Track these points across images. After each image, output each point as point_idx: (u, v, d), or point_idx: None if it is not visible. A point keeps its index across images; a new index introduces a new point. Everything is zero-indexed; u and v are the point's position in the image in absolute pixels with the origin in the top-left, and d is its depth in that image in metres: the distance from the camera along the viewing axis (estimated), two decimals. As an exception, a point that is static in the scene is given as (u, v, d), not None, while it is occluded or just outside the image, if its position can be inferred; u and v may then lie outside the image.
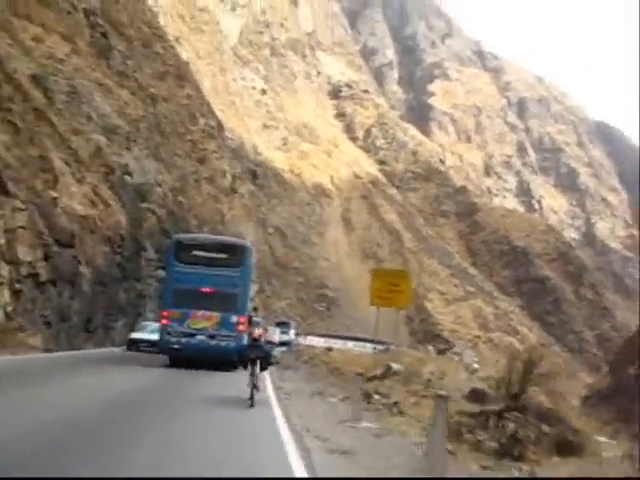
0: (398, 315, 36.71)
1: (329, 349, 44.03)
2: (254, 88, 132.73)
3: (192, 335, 25.04)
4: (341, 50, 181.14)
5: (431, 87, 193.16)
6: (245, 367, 16.07)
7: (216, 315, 25.24)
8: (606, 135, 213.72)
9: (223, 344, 25.10)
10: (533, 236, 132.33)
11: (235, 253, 26.60)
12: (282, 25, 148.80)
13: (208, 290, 25.20)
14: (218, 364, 25.47)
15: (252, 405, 14.90)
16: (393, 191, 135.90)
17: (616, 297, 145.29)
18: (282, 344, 52.38)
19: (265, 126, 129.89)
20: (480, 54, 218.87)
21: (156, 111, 51.92)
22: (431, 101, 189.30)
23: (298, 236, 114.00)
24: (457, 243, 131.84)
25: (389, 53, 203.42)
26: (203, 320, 25.19)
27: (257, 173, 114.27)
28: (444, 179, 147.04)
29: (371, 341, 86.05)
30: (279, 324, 62.97)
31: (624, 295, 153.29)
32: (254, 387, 15.29)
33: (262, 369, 16.25)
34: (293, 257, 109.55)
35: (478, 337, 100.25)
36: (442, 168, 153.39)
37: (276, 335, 60.56)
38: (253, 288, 34.42)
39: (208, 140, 61.73)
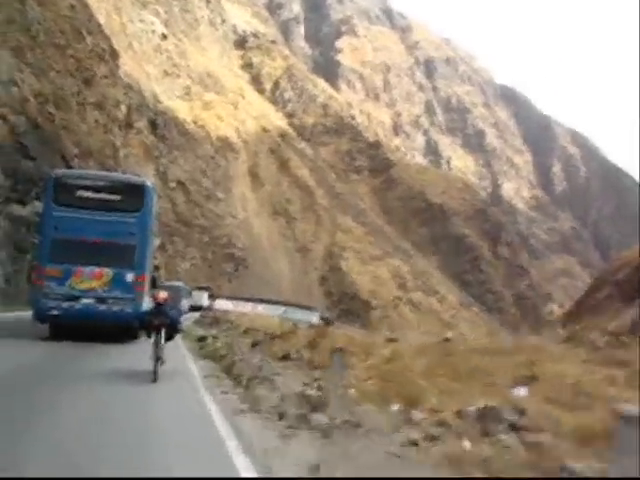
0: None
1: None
2: (153, 32, 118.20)
3: (76, 298, 19.80)
4: (246, 1, 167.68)
5: (338, 43, 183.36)
6: (149, 336, 13.97)
7: (107, 272, 20.12)
8: (510, 98, 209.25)
9: (116, 309, 20.01)
10: (449, 193, 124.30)
11: (131, 194, 20.94)
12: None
13: (96, 240, 19.95)
14: (112, 334, 20.34)
15: (155, 380, 12.98)
16: (303, 145, 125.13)
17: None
18: (198, 309, 46.55)
19: (166, 73, 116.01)
20: (388, 12, 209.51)
21: (25, 11, 39.32)
22: (339, 58, 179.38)
23: (202, 191, 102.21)
24: (371, 200, 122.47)
25: (295, 7, 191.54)
26: (90, 279, 20.02)
27: (157, 122, 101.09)
28: (356, 134, 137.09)
29: (289, 305, 77.06)
30: (200, 289, 58.10)
31: (531, 255, 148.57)
32: (158, 359, 13.28)
33: (168, 339, 14.09)
34: (197, 214, 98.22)
35: (399, 298, 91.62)
36: (354, 123, 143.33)
37: (204, 299, 55.44)
38: (154, 240, 27.17)
39: (97, 62, 49.15)
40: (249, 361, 15.62)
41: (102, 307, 19.96)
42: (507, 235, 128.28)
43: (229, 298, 73.65)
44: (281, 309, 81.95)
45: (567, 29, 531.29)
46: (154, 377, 13.01)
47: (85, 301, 19.86)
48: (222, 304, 65.21)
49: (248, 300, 78.12)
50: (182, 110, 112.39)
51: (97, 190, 20.69)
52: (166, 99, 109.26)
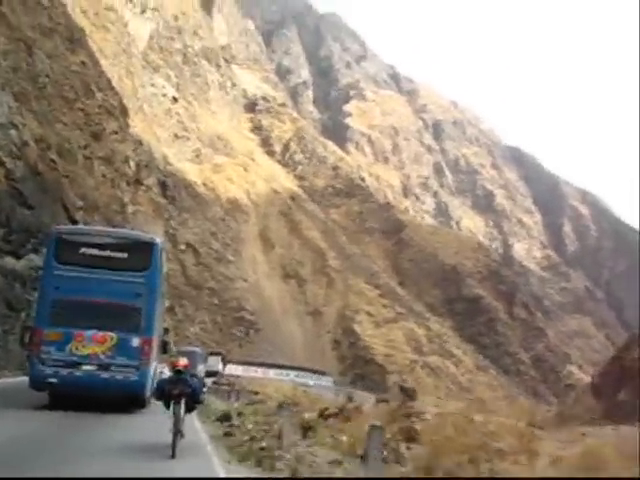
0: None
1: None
2: (165, 95, 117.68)
3: (76, 364, 18.20)
4: (256, 67, 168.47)
5: (347, 107, 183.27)
6: (167, 406, 12.72)
7: (111, 336, 18.54)
8: (518, 159, 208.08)
9: (120, 377, 18.41)
10: (462, 254, 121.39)
11: (139, 252, 19.59)
12: (195, 33, 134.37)
13: (100, 301, 18.57)
14: (119, 403, 18.83)
15: (174, 455, 11.73)
16: (314, 207, 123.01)
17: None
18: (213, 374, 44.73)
19: (176, 136, 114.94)
20: (395, 77, 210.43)
21: (33, 62, 37.81)
22: (347, 121, 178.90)
23: (212, 254, 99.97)
24: (383, 262, 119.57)
25: (304, 73, 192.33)
26: (92, 343, 18.39)
27: (167, 184, 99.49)
28: (367, 195, 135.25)
29: (301, 369, 74.29)
30: (212, 354, 54.97)
31: (545, 316, 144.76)
32: (177, 433, 12.08)
33: (188, 410, 12.78)
34: (207, 276, 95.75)
35: (415, 362, 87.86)
36: (364, 184, 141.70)
37: (220, 365, 52.95)
38: (163, 302, 25.47)
39: (107, 118, 47.32)
40: (320, 468, 10.22)
41: (105, 375, 18.32)
42: (522, 296, 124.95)
43: (240, 363, 70.88)
44: (292, 374, 78.88)
45: (571, 89, 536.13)
46: (172, 452, 11.94)
47: (86, 368, 18.23)
48: (232, 369, 62.44)
49: (260, 365, 75.24)
50: (192, 172, 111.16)
51: (102, 247, 19.25)
52: (176, 162, 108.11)
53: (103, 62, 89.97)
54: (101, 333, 18.42)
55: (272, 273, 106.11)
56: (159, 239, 22.17)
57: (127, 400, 19.22)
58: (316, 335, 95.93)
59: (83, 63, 48.28)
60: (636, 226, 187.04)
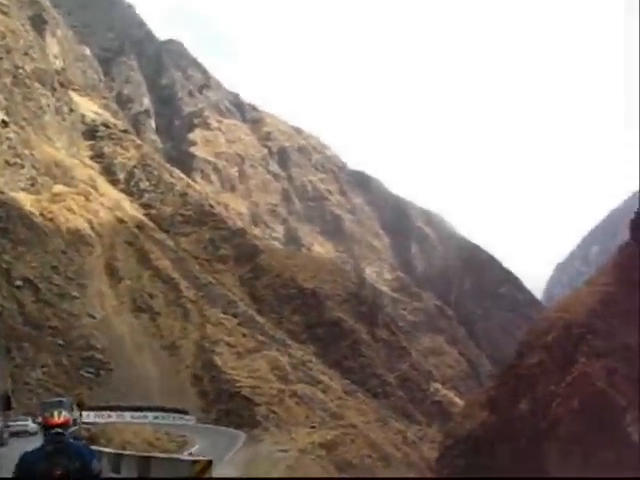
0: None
1: None
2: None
3: None
4: (95, 94, 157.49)
5: (191, 136, 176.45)
6: None
7: None
8: (364, 183, 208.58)
9: None
10: (320, 277, 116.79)
11: None
12: (27, 54, 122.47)
13: None
14: None
15: None
16: (163, 236, 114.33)
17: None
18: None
19: (8, 163, 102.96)
20: (239, 105, 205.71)
21: None
22: (192, 150, 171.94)
23: (54, 289, 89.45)
24: (240, 289, 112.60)
25: (145, 101, 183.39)
26: None
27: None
28: (219, 222, 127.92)
29: (160, 410, 66.36)
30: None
31: (406, 335, 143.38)
32: None
33: None
34: (49, 314, 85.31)
35: (282, 392, 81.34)
36: (215, 210, 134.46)
37: (77, 413, 43.93)
38: None
39: None
40: None
41: None
42: (383, 316, 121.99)
43: (92, 408, 62.71)
44: (151, 415, 71.29)
45: (413, 110, 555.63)
46: None
47: None
48: (84, 416, 54.07)
49: (114, 408, 67.67)
50: (28, 202, 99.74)
51: None
52: (8, 190, 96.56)
53: None
54: None
55: (122, 307, 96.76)
56: None
57: None
58: (174, 371, 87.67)
59: None
60: (479, 244, 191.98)
